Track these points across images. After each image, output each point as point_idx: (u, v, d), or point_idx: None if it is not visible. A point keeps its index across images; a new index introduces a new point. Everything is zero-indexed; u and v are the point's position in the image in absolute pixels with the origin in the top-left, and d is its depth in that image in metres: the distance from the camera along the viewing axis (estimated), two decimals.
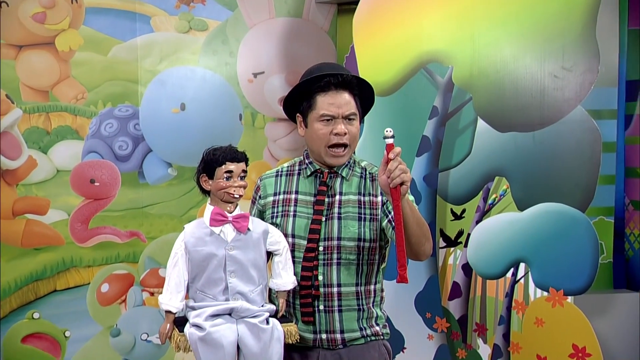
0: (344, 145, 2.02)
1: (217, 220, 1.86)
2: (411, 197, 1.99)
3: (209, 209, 1.90)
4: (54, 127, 3.34)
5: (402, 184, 1.78)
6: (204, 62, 3.62)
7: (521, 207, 2.70)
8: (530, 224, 2.66)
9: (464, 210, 2.93)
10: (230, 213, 1.88)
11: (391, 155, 1.78)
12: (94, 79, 3.41)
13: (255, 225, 1.93)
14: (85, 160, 3.41)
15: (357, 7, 3.24)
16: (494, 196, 2.82)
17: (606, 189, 2.79)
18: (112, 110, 3.45)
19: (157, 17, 3.52)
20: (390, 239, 2.07)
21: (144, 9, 3.49)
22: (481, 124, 2.82)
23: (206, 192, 1.94)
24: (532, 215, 2.66)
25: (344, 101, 2.01)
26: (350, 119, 2.03)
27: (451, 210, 2.97)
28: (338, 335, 2.02)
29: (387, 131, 1.79)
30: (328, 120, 2.01)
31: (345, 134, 2.01)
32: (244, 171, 1.89)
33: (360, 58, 3.19)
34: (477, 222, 2.86)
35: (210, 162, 1.88)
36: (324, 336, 2.02)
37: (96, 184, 3.43)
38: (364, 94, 2.10)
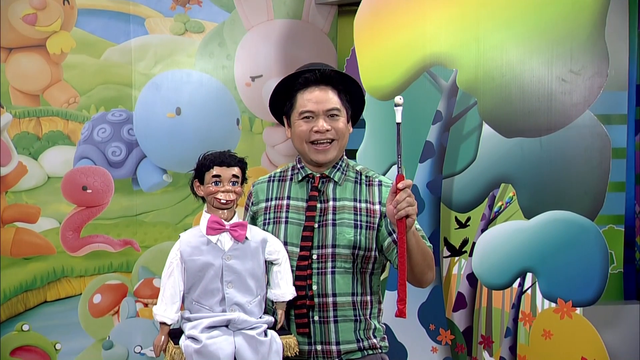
0: (328, 141, 1.98)
1: (214, 228, 1.83)
2: (418, 226, 1.96)
3: (205, 217, 1.86)
4: (45, 132, 3.30)
5: (407, 216, 1.77)
6: (200, 65, 3.60)
7: (528, 215, 2.68)
8: (538, 232, 2.63)
9: (468, 219, 2.91)
10: (228, 221, 1.85)
11: (400, 186, 1.77)
12: (87, 82, 3.38)
13: (254, 233, 1.90)
14: (77, 167, 3.38)
15: (359, 9, 3.24)
16: (499, 204, 2.80)
17: (616, 196, 2.76)
18: (105, 114, 3.42)
19: (151, 19, 3.49)
20: (392, 263, 2.03)
21: (138, 10, 3.47)
22: (486, 129, 2.80)
23: (202, 198, 1.91)
24: (539, 224, 2.64)
25: (324, 97, 1.98)
26: (332, 115, 1.98)
27: (455, 218, 2.95)
28: (334, 347, 1.99)
29: (398, 98, 1.77)
30: (308, 117, 1.98)
31: (327, 130, 1.97)
32: (235, 176, 1.86)
33: (362, 61, 3.19)
34: (483, 231, 2.84)
35: (200, 167, 1.87)
36: (319, 347, 1.99)
37: (88, 191, 3.39)
38: (351, 90, 2.05)
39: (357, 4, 3.24)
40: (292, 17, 3.78)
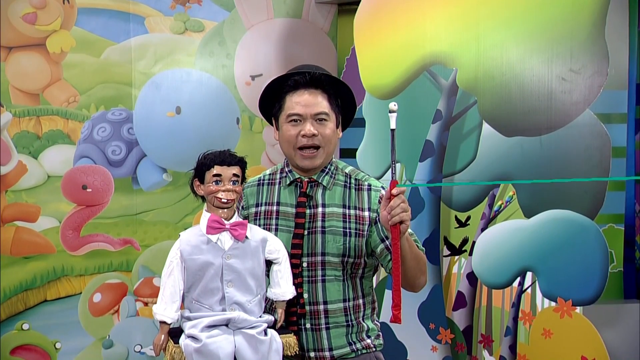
0: (314, 147, 1.95)
1: (214, 227, 1.82)
2: (410, 230, 1.93)
3: (205, 215, 1.86)
4: (45, 132, 3.29)
5: (401, 222, 1.76)
6: (200, 64, 3.59)
7: (528, 214, 2.68)
8: (538, 231, 2.63)
9: (468, 218, 2.90)
10: (228, 220, 1.84)
11: (394, 192, 1.76)
12: (87, 81, 3.37)
13: (254, 233, 1.89)
14: (77, 166, 3.36)
15: (358, 8, 3.24)
16: (499, 203, 2.80)
17: (616, 195, 2.74)
18: (105, 113, 3.41)
19: (151, 18, 3.48)
20: (385, 268, 2.02)
21: (138, 9, 3.46)
22: (486, 128, 2.80)
23: (202, 198, 1.91)
24: (539, 223, 2.63)
25: (313, 100, 1.94)
26: (320, 120, 1.95)
27: (455, 217, 2.94)
28: (327, 353, 1.97)
29: (392, 105, 1.75)
30: (296, 120, 1.95)
31: (313, 135, 1.93)
32: (236, 175, 1.85)
33: (362, 60, 3.19)
34: (483, 230, 2.83)
35: (201, 166, 1.86)
36: (312, 354, 1.98)
37: (88, 190, 3.38)
38: (342, 95, 2.02)
39: (357, 3, 3.23)
40: (292, 16, 3.77)
